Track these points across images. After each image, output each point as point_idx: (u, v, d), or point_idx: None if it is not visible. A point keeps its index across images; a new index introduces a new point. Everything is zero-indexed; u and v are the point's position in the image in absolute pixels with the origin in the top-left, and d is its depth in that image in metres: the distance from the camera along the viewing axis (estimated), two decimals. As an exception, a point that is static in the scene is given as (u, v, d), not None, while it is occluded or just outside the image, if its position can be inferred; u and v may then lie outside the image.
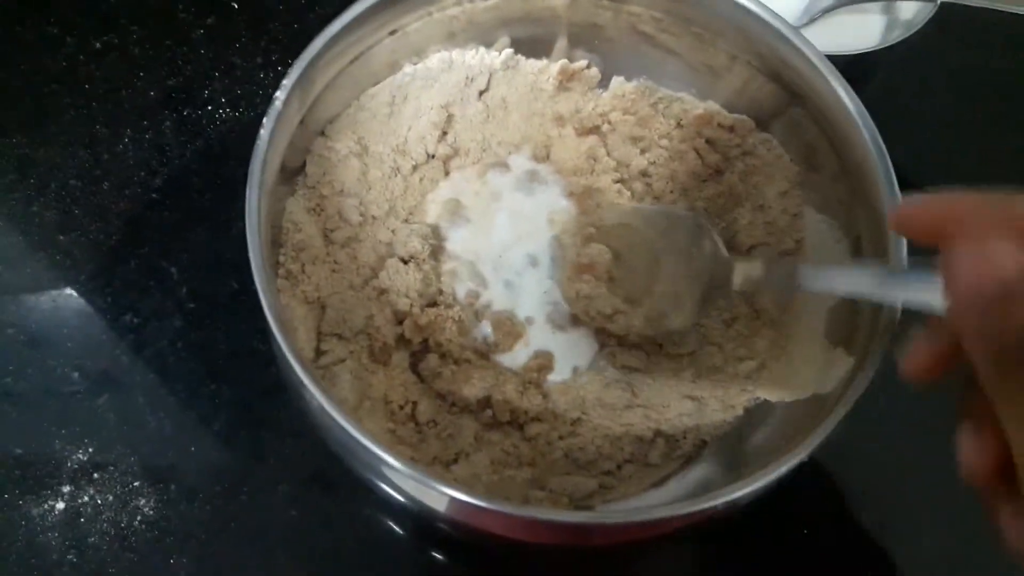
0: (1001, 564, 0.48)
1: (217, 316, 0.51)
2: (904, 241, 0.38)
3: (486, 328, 0.47)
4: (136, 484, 0.46)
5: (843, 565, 0.48)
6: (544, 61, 0.52)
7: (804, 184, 0.48)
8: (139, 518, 0.45)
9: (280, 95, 0.41)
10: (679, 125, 0.51)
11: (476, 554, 0.47)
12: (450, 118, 0.51)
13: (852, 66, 0.44)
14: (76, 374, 0.49)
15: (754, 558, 0.47)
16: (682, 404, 0.45)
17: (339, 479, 0.47)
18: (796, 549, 0.47)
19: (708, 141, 0.50)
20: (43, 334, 0.50)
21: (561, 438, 0.44)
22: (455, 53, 0.50)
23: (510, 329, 0.47)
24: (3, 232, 0.54)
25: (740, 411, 0.44)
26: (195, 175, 0.56)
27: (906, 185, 0.40)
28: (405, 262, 0.47)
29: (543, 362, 0.47)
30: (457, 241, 0.50)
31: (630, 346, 0.47)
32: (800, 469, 0.35)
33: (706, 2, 0.46)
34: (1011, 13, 0.62)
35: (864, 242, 0.43)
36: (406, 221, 0.50)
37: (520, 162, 0.53)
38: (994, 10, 0.62)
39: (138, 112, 0.58)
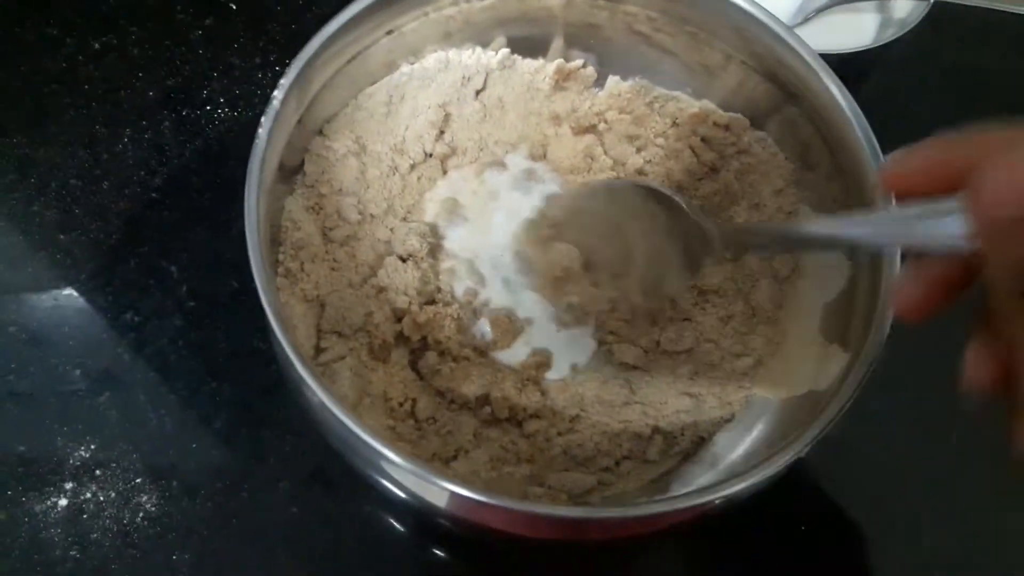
0: (998, 561, 0.48)
1: (217, 315, 0.51)
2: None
3: (484, 326, 0.48)
4: (138, 481, 0.47)
5: (839, 561, 0.48)
6: (540, 61, 0.52)
7: (799, 182, 0.48)
8: (141, 515, 0.46)
9: (278, 95, 0.41)
10: (675, 124, 0.51)
11: (476, 551, 0.47)
12: (447, 117, 0.51)
13: (846, 65, 0.44)
14: (77, 372, 0.49)
15: (751, 554, 0.47)
16: (680, 401, 0.45)
17: (339, 477, 0.47)
18: (793, 545, 0.48)
19: (703, 140, 0.50)
20: (44, 333, 0.51)
21: (560, 435, 0.44)
22: (452, 53, 0.50)
23: (508, 327, 0.48)
24: (4, 232, 0.54)
25: (737, 408, 0.45)
26: (194, 175, 0.56)
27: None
28: (404, 260, 0.48)
29: (541, 359, 0.47)
30: (455, 239, 0.50)
31: (628, 343, 0.47)
32: (796, 465, 0.35)
33: (701, 2, 0.46)
34: (1004, 11, 0.63)
35: (859, 239, 0.43)
36: (404, 220, 0.50)
37: (517, 161, 0.53)
38: (987, 8, 0.62)
39: (137, 112, 0.58)
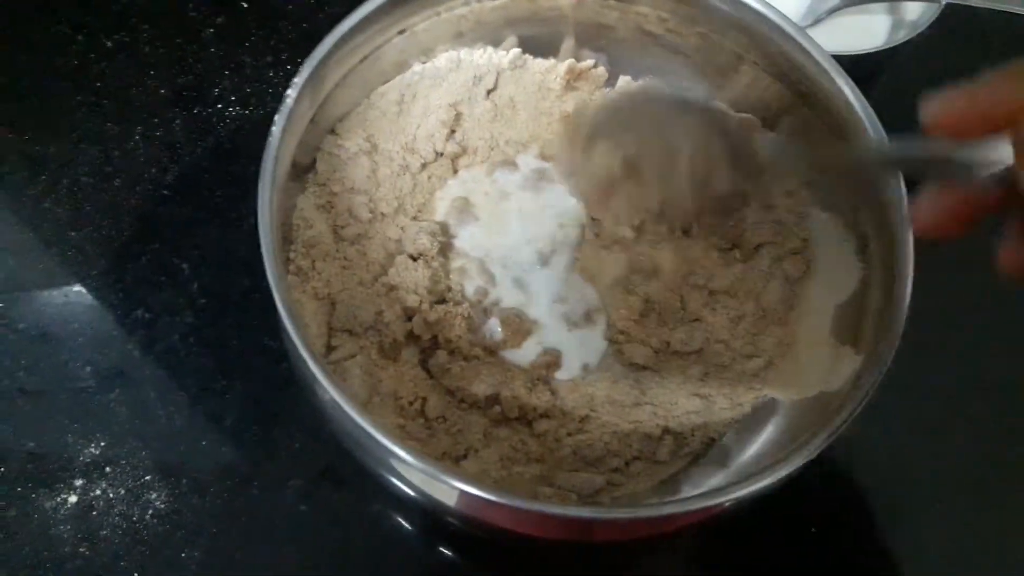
0: (1009, 564, 0.48)
1: (228, 312, 0.51)
2: (911, 232, 0.39)
3: (495, 325, 0.48)
4: (147, 478, 0.47)
5: (850, 564, 0.48)
6: (551, 60, 0.52)
7: (810, 184, 0.48)
8: (150, 512, 0.46)
9: (291, 93, 0.41)
10: (686, 124, 0.51)
11: (484, 550, 0.47)
12: (458, 117, 0.51)
13: (857, 67, 0.44)
14: (88, 369, 0.50)
15: (761, 556, 0.47)
16: (690, 402, 0.45)
17: (349, 475, 0.47)
18: (803, 548, 0.48)
19: (714, 140, 0.50)
20: (55, 330, 0.51)
21: (569, 435, 0.44)
22: (463, 52, 0.50)
23: (518, 326, 0.48)
24: (15, 228, 0.54)
25: (748, 409, 0.44)
26: (205, 172, 0.56)
27: (911, 183, 0.40)
28: (414, 259, 0.48)
29: (551, 359, 0.47)
30: (466, 239, 0.50)
31: (639, 343, 0.47)
32: (807, 468, 0.35)
33: (712, 2, 0.46)
34: (1015, 14, 0.63)
35: (871, 241, 0.43)
36: (415, 218, 0.50)
37: (528, 161, 0.53)
38: (998, 11, 0.62)
39: (149, 110, 0.58)
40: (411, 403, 0.44)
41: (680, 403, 0.45)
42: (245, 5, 0.64)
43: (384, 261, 0.48)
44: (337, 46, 0.43)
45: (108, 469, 0.47)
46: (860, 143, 0.40)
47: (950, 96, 0.28)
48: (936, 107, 0.28)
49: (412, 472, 0.36)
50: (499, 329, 0.48)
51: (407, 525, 0.47)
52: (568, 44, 0.52)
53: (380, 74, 0.49)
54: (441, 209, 0.51)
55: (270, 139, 0.40)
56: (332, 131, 0.48)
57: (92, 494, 0.46)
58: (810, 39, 0.44)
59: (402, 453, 0.34)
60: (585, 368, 0.48)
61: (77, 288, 0.52)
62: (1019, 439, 0.51)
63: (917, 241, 0.39)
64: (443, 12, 0.48)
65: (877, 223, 0.42)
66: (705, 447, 0.45)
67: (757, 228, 0.48)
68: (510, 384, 0.45)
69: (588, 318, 0.49)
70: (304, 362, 0.35)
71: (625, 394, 0.46)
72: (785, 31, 0.44)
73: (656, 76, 0.52)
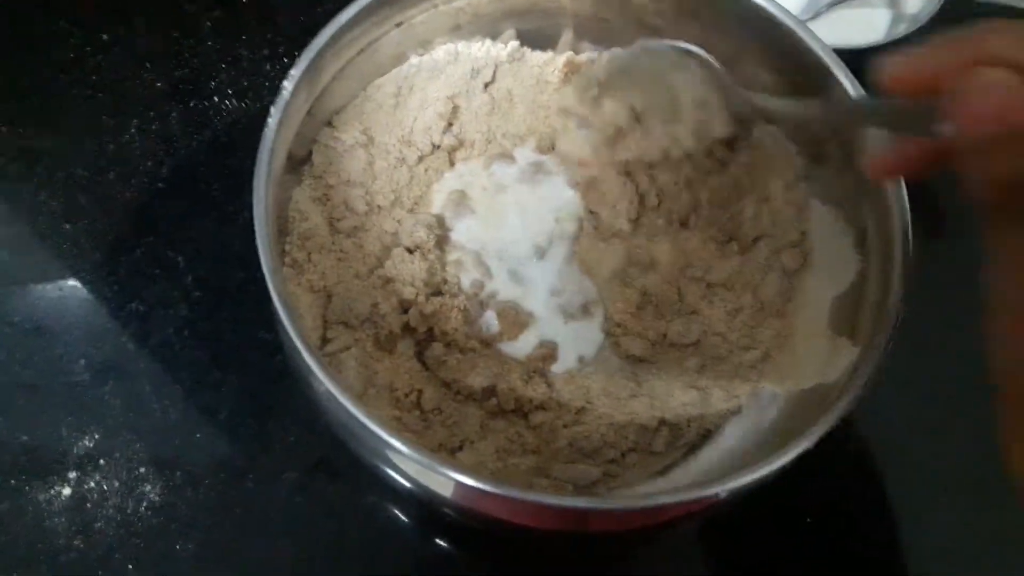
0: (1006, 555, 0.48)
1: (223, 305, 0.51)
2: (910, 225, 0.39)
3: (491, 318, 0.48)
4: (142, 471, 0.46)
5: (846, 554, 0.48)
6: (550, 53, 0.52)
7: (809, 176, 0.48)
8: (144, 504, 0.46)
9: (288, 85, 0.41)
10: (684, 117, 0.51)
11: (480, 541, 0.47)
12: (456, 109, 0.51)
13: (857, 61, 0.44)
14: (82, 362, 0.49)
15: (757, 547, 0.47)
16: (686, 393, 0.45)
17: (344, 467, 0.47)
18: (799, 539, 0.48)
19: (713, 133, 0.50)
20: (49, 323, 0.51)
21: (565, 427, 0.44)
22: (461, 45, 0.50)
23: (515, 319, 0.47)
24: (10, 221, 0.54)
25: (744, 400, 0.44)
26: (201, 165, 0.56)
27: (911, 184, 0.40)
28: (410, 252, 0.47)
29: (547, 351, 0.47)
30: (462, 231, 0.50)
31: (635, 335, 0.47)
32: (803, 458, 0.35)
33: (713, -6, 0.46)
34: (1014, 8, 0.63)
35: (870, 234, 0.43)
36: (411, 211, 0.50)
37: (525, 154, 0.53)
38: (998, 5, 0.62)
39: (145, 103, 0.58)
40: (407, 395, 0.44)
41: (676, 395, 0.45)
42: (242, -1, 0.64)
43: (380, 254, 0.47)
44: (334, 39, 0.43)
45: (102, 462, 0.47)
46: (835, 99, 0.43)
47: (895, 61, 0.30)
48: (886, 70, 0.31)
49: (408, 463, 0.36)
50: (495, 321, 0.48)
51: (403, 517, 0.47)
52: (567, 37, 0.52)
53: (377, 67, 0.49)
54: (438, 202, 0.51)
55: (266, 131, 0.40)
56: (328, 123, 0.48)
57: (86, 487, 0.46)
58: (810, 32, 0.44)
59: (398, 444, 0.34)
60: (581, 360, 0.47)
61: (72, 282, 0.52)
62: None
63: (917, 234, 0.39)
64: (441, 5, 0.48)
65: (877, 216, 0.42)
66: (701, 438, 0.45)
67: (755, 221, 0.48)
68: (506, 376, 0.45)
69: (585, 310, 0.49)
70: (299, 354, 0.35)
71: (621, 386, 0.46)
72: (785, 24, 0.44)
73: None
